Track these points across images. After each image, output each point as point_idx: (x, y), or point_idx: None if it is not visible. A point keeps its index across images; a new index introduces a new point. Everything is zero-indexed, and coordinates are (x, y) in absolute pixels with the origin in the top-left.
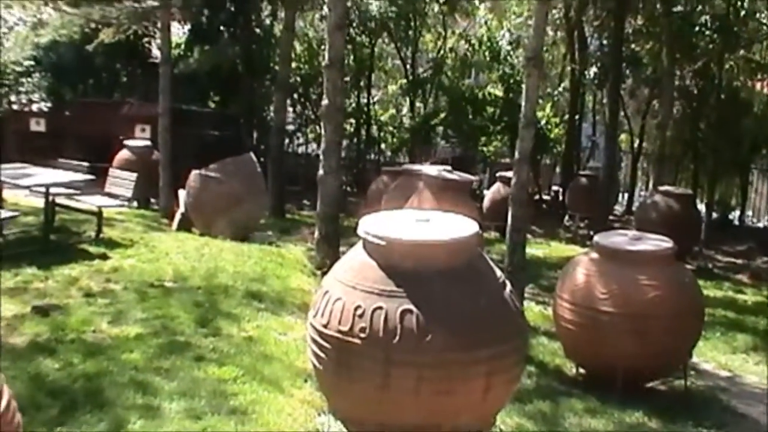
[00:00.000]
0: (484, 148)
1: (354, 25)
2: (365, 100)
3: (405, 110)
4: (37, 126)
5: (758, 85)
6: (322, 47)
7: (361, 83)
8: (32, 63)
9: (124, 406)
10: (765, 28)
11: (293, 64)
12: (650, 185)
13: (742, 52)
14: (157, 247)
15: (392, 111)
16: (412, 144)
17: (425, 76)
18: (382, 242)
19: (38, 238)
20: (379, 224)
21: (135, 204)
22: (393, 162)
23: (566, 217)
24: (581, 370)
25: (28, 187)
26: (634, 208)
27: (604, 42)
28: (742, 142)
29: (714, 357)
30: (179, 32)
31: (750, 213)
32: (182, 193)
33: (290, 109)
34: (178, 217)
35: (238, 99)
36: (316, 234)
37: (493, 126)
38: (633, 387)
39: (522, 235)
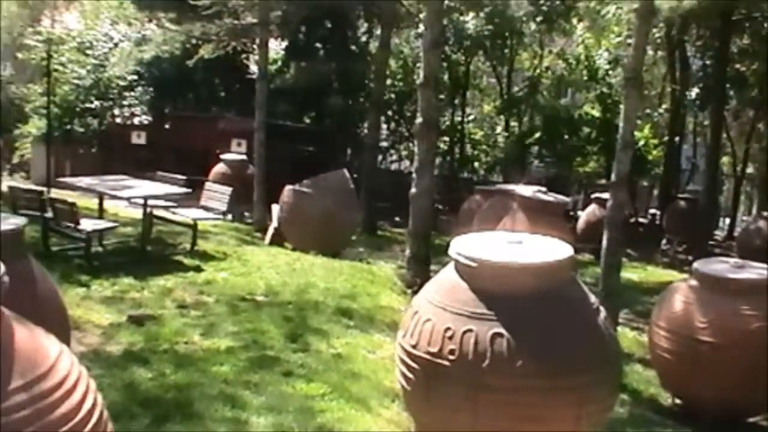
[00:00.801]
0: (579, 169)
1: (450, 43)
2: (459, 118)
3: (499, 129)
4: (138, 139)
5: None
6: (417, 65)
7: (456, 101)
8: (135, 78)
9: (213, 419)
10: None
11: (388, 81)
12: (754, 210)
13: None
14: (249, 261)
15: (486, 130)
16: (505, 163)
17: (521, 94)
18: (474, 264)
19: (135, 249)
20: (470, 245)
21: (229, 217)
22: (486, 181)
23: (663, 241)
24: (677, 401)
25: (127, 199)
26: (735, 234)
27: (707, 62)
28: None
29: None
30: (276, 48)
31: None
32: (275, 208)
33: (384, 126)
34: (270, 231)
35: (332, 115)
36: (407, 252)
37: (589, 146)
38: (732, 421)
39: (617, 259)
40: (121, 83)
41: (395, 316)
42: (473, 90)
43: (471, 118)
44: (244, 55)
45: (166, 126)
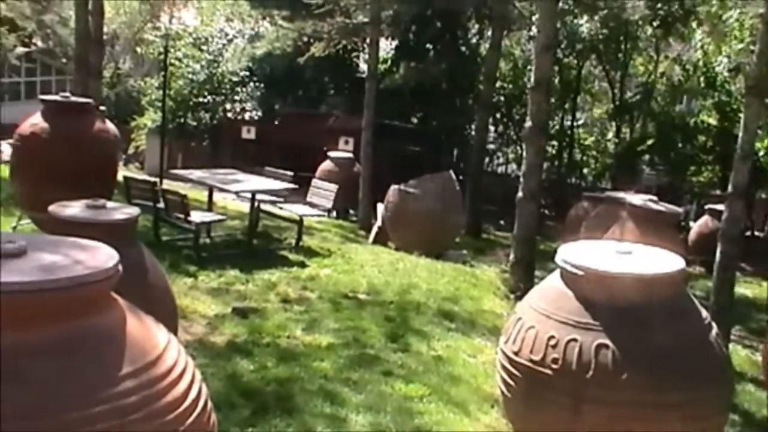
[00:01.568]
0: (693, 179)
1: (562, 46)
2: (569, 123)
3: (610, 135)
4: (248, 134)
5: None
6: (528, 67)
7: (566, 105)
8: (247, 73)
9: (312, 414)
10: None
11: (497, 83)
12: None
13: None
14: (353, 258)
15: (596, 135)
16: (615, 170)
17: (634, 100)
18: (580, 272)
19: (242, 242)
20: (578, 253)
21: (334, 214)
22: (594, 188)
23: None
24: None
25: (236, 193)
26: None
27: None
28: None
29: None
30: (386, 48)
31: None
32: (380, 207)
33: (492, 128)
34: (374, 230)
35: (440, 116)
36: (511, 257)
37: (704, 156)
38: None
39: (730, 273)
40: (234, 79)
41: (497, 320)
42: (584, 94)
43: (581, 122)
44: (354, 54)
45: (276, 122)
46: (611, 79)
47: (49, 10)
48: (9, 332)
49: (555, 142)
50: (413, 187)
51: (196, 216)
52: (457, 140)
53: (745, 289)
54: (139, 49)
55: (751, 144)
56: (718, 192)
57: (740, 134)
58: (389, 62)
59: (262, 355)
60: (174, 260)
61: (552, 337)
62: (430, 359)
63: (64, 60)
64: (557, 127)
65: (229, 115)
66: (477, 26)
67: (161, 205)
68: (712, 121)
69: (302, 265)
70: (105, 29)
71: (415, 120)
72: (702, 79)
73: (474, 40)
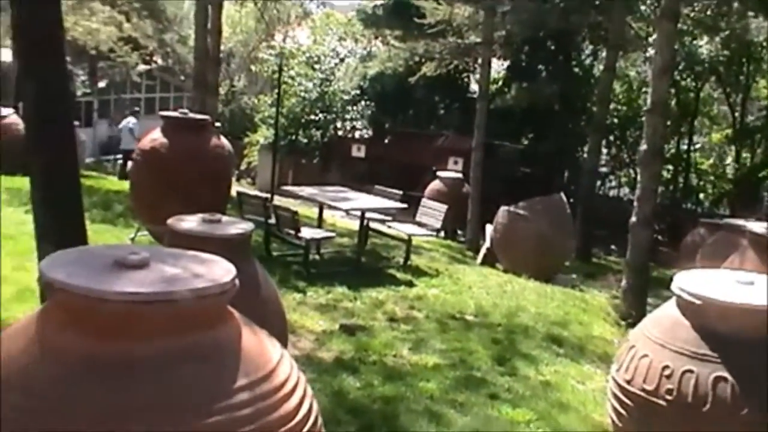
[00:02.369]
0: None
1: (680, 68)
2: (686, 147)
3: (729, 159)
4: (358, 152)
5: None
6: (643, 89)
7: (683, 129)
8: (358, 92)
9: None
10: None
11: (611, 105)
12: None
13: None
14: (461, 279)
15: (714, 160)
16: (734, 196)
17: (755, 124)
18: (698, 301)
19: (350, 259)
20: (695, 281)
21: (442, 234)
22: (711, 214)
23: None
24: None
25: (346, 210)
26: None
27: None
28: None
29: None
30: (498, 68)
31: None
32: (489, 228)
33: (604, 150)
34: (483, 251)
35: (551, 137)
36: (623, 283)
37: None
38: None
39: None
40: (345, 97)
41: (607, 347)
42: (702, 117)
43: (698, 146)
44: (464, 74)
45: (386, 141)
46: (732, 102)
47: (170, 30)
48: (130, 341)
49: (670, 166)
50: (523, 209)
51: (307, 232)
52: (568, 162)
53: None
54: (253, 67)
55: None
56: None
57: None
58: (500, 82)
59: (369, 372)
60: (284, 275)
61: (666, 366)
62: (538, 384)
63: (182, 77)
64: (673, 150)
65: (340, 133)
66: (591, 47)
67: (272, 220)
68: None
69: (410, 284)
70: (222, 48)
71: (525, 141)
72: None
73: (587, 61)
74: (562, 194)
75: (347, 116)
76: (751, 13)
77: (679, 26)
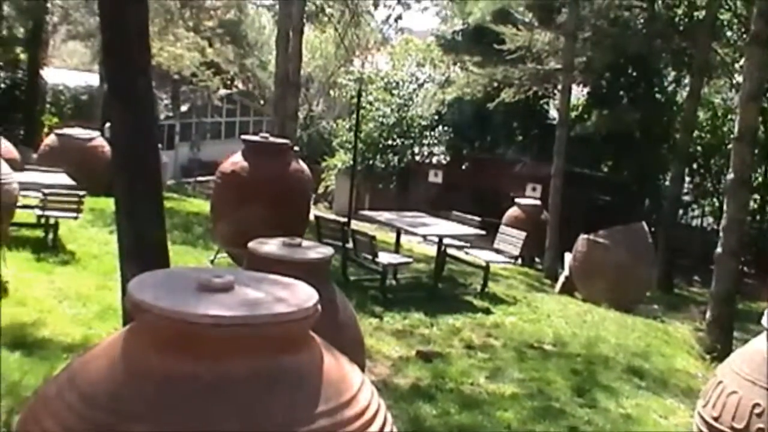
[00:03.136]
0: None
1: None
2: None
3: None
4: (435, 177)
5: None
6: (729, 117)
7: None
8: (436, 118)
9: None
10: None
11: (695, 133)
12: None
13: None
14: (539, 307)
15: None
16: None
17: None
18: None
19: (427, 286)
20: None
21: (520, 262)
22: None
23: None
24: None
25: (423, 236)
26: None
27: None
28: None
29: None
30: (578, 94)
31: None
32: (568, 256)
33: (687, 178)
34: (561, 279)
35: (632, 165)
36: (708, 315)
37: None
38: None
39: None
40: (423, 123)
41: (691, 381)
42: None
43: None
44: (543, 100)
45: (463, 166)
46: None
47: (251, 55)
48: (214, 364)
49: (757, 196)
50: (603, 237)
51: (384, 257)
52: (649, 190)
53: None
54: (332, 92)
55: None
56: None
57: None
58: (580, 109)
59: (445, 400)
60: (360, 300)
61: (757, 405)
62: (619, 417)
63: (261, 102)
64: (760, 179)
65: (417, 158)
66: (674, 73)
67: (350, 244)
68: None
69: (487, 311)
70: (301, 73)
71: (605, 168)
72: None
73: (670, 88)
74: (644, 223)
75: (425, 142)
76: None
77: None
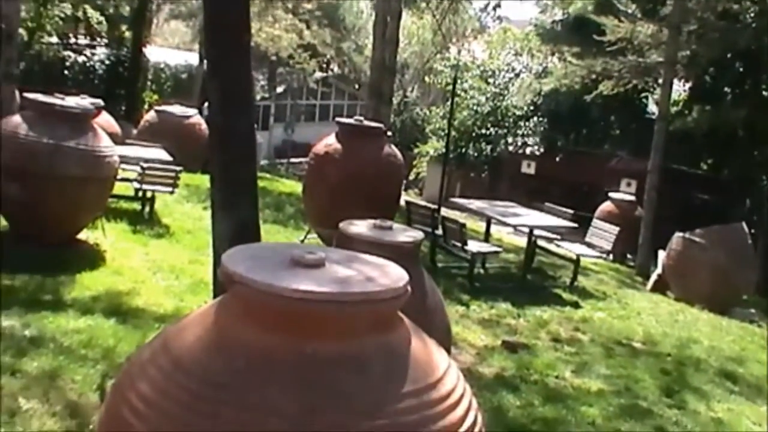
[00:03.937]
0: None
1: None
2: None
3: None
4: (528, 168)
5: None
6: None
7: None
8: (531, 108)
9: None
10: None
11: None
12: None
13: None
14: (629, 304)
15: None
16: None
17: None
18: None
19: (515, 276)
20: None
21: (611, 257)
22: None
23: None
24: None
25: (513, 226)
26: None
27: None
28: None
29: None
30: (679, 89)
31: None
32: (662, 254)
33: None
34: (654, 277)
35: (733, 164)
36: None
37: None
38: None
39: None
40: (518, 113)
41: None
42: None
43: None
44: (643, 94)
45: (557, 158)
46: None
47: (348, 39)
48: (304, 339)
49: None
50: (700, 237)
51: (473, 245)
52: (751, 191)
53: None
54: (427, 79)
55: None
56: None
57: None
58: (681, 104)
59: (529, 392)
60: (447, 287)
61: None
62: (709, 421)
63: (356, 86)
64: None
65: (510, 148)
66: None
67: (439, 231)
68: None
69: (576, 305)
70: (397, 58)
71: (704, 166)
72: None
73: None
74: (744, 224)
75: (519, 132)
76: None
77: None
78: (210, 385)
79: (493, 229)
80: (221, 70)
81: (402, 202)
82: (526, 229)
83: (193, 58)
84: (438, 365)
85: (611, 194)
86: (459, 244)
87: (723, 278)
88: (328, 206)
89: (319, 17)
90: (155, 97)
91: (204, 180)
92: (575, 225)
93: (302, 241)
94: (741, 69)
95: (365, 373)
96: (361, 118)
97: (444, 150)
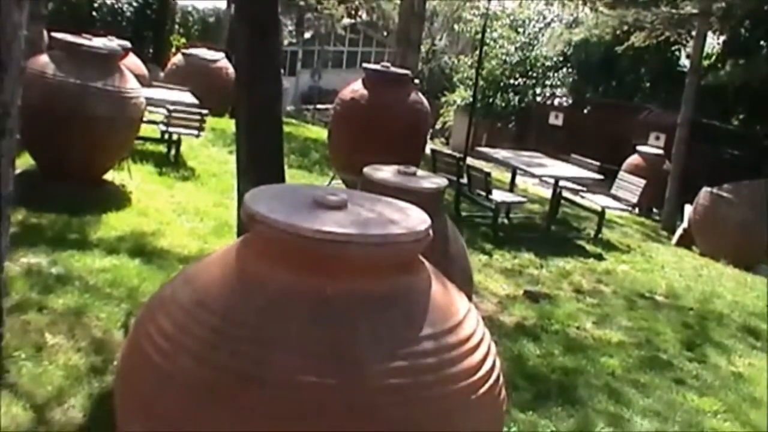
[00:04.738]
0: None
1: None
2: None
3: None
4: (555, 120)
5: None
6: None
7: None
8: (561, 59)
9: (594, 409)
10: None
11: None
12: None
13: None
14: (653, 258)
15: None
16: None
17: None
18: None
19: (539, 227)
20: None
21: (636, 210)
22: None
23: None
24: None
25: (539, 177)
26: None
27: None
28: None
29: None
30: (712, 42)
31: None
32: (688, 208)
33: None
34: (679, 232)
35: (765, 119)
36: None
37: None
38: None
39: None
40: (547, 63)
41: None
42: None
43: None
44: (675, 47)
45: (585, 110)
46: None
47: None
48: (324, 279)
49: None
50: (728, 192)
51: (498, 195)
52: None
53: None
54: (456, 27)
55: None
56: None
57: None
58: (714, 58)
59: (550, 341)
60: (471, 236)
61: None
62: (729, 375)
63: (385, 33)
64: None
65: (539, 99)
66: None
67: (464, 180)
68: None
69: (599, 257)
70: (426, 5)
71: (735, 122)
72: None
73: None
74: None
75: (547, 83)
76: None
77: None
78: (230, 321)
79: (519, 179)
80: (248, 14)
81: (428, 150)
82: (552, 180)
83: (221, 2)
84: (458, 310)
85: (639, 147)
86: (483, 194)
87: (749, 234)
88: (353, 152)
89: None
90: (183, 40)
91: (230, 124)
92: (601, 177)
93: (327, 186)
94: None
95: (385, 315)
96: (388, 64)
97: (471, 99)
